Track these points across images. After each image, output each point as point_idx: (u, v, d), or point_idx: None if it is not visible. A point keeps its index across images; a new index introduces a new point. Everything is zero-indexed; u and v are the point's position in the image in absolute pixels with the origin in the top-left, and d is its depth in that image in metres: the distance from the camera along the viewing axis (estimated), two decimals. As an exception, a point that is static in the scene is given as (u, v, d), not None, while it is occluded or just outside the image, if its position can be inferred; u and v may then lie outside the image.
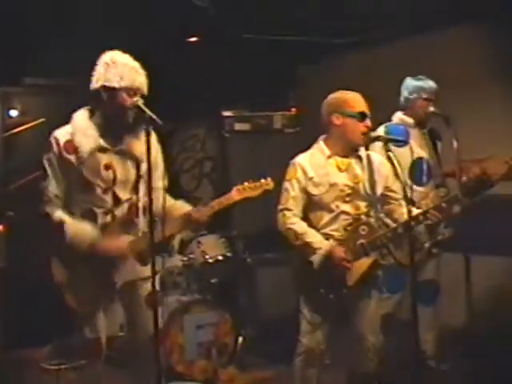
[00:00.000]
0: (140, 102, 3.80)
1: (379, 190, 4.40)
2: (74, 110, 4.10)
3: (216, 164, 8.34)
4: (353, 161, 4.41)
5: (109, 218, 3.95)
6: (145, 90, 3.93)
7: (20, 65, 6.77)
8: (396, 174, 4.10)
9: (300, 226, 4.35)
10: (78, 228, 3.89)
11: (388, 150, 4.11)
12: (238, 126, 7.37)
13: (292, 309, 4.62)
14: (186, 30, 7.11)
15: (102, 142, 3.91)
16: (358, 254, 4.29)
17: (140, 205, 4.04)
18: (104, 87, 3.88)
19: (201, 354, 5.80)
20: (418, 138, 5.34)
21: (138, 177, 4.01)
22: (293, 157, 4.47)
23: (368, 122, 4.34)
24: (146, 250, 3.82)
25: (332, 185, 4.32)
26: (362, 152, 4.44)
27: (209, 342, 5.83)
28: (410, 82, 5.42)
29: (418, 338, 5.05)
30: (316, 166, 4.38)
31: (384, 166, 4.41)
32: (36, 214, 3.92)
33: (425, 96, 5.32)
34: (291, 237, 4.35)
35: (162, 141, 4.18)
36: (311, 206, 4.40)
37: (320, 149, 4.44)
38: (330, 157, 4.39)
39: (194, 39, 7.37)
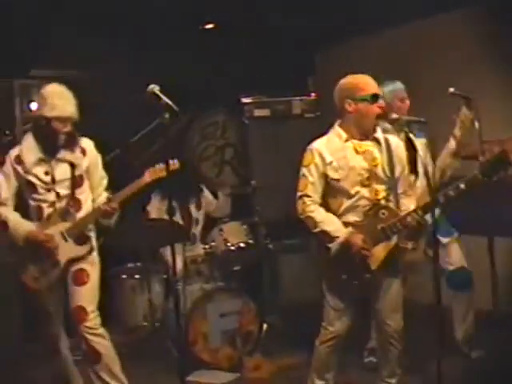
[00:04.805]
0: (156, 89, 3.98)
1: (397, 173, 4.36)
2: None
3: (237, 151, 8.32)
4: (370, 143, 4.36)
5: (51, 209, 4.80)
6: (76, 117, 4.77)
7: (39, 57, 6.78)
8: (416, 156, 4.06)
9: (318, 213, 4.31)
10: (17, 222, 4.78)
11: (408, 132, 4.05)
12: (257, 112, 7.35)
13: (316, 294, 4.59)
14: (203, 16, 7.08)
15: (41, 155, 4.78)
16: (379, 238, 4.25)
17: (82, 197, 4.86)
18: (41, 116, 4.74)
19: (225, 342, 5.80)
20: None
21: (74, 177, 4.81)
22: (313, 142, 4.43)
23: (381, 103, 4.32)
24: (81, 233, 4.80)
25: (351, 168, 4.28)
26: (380, 134, 4.39)
27: (233, 330, 5.83)
28: None
29: (445, 322, 5.06)
30: (333, 150, 4.33)
31: (401, 148, 4.41)
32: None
33: None
34: (310, 225, 4.32)
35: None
36: (330, 192, 4.36)
37: (337, 133, 4.40)
38: (347, 140, 4.34)
39: (211, 26, 7.34)
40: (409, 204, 4.36)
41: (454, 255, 5.35)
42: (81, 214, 4.84)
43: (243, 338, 5.85)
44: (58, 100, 4.74)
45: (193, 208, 6.76)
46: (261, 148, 7.31)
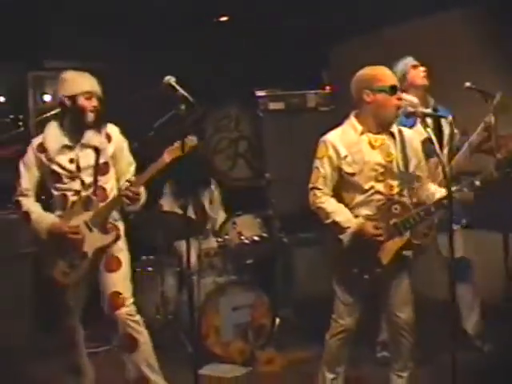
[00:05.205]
0: (172, 80, 3.99)
1: (412, 167, 4.32)
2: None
3: (251, 143, 8.31)
4: (385, 137, 4.31)
5: (76, 197, 4.69)
6: (99, 93, 4.73)
7: (52, 49, 6.80)
8: (434, 150, 4.02)
9: (329, 204, 4.28)
10: (40, 214, 4.72)
11: (426, 126, 4.03)
12: (272, 105, 7.34)
13: (329, 288, 4.57)
14: (217, 9, 7.07)
15: (66, 141, 4.71)
16: (392, 233, 4.22)
17: (107, 186, 4.77)
18: (66, 96, 4.67)
19: (238, 336, 5.78)
20: None
21: (98, 165, 4.72)
22: (327, 133, 4.39)
23: (400, 95, 4.27)
24: (105, 221, 4.70)
25: (365, 163, 4.23)
26: (395, 128, 4.34)
27: (245, 324, 5.81)
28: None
29: (457, 315, 5.03)
30: (348, 143, 4.28)
31: (416, 140, 4.38)
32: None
33: None
34: (322, 216, 4.30)
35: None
36: (344, 186, 4.32)
37: (352, 125, 4.34)
38: (362, 133, 4.29)
39: (225, 18, 7.33)
40: (424, 191, 4.36)
41: (457, 244, 5.28)
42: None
43: (255, 331, 5.83)
44: (79, 78, 4.71)
45: (206, 202, 6.77)
46: (275, 141, 7.30)
